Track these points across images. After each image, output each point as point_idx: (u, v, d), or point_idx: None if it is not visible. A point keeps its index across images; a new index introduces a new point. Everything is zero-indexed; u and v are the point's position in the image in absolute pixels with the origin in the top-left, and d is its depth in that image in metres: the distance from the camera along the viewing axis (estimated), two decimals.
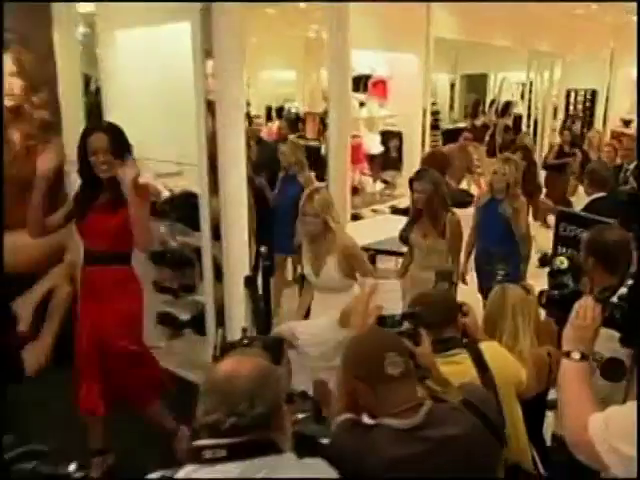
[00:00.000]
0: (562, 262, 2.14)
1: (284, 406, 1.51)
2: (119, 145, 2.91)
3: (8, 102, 3.76)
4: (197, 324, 4.37)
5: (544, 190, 7.71)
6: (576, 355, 1.60)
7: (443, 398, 1.78)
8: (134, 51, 4.24)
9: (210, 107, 3.79)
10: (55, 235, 4.10)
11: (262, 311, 4.20)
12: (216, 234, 3.88)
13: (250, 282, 3.98)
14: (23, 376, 4.02)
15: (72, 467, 1.23)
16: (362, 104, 6.37)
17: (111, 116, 4.32)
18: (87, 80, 4.36)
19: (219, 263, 3.93)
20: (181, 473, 1.44)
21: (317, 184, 3.75)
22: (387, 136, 6.83)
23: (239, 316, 3.94)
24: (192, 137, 3.91)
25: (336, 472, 1.52)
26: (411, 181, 4.02)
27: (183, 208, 4.15)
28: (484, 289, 4.14)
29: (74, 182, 4.21)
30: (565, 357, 1.63)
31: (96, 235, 2.95)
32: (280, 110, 9.39)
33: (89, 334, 2.96)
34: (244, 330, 2.26)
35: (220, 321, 4.00)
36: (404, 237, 4.13)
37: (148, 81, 4.28)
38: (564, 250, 4.01)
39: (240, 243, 3.91)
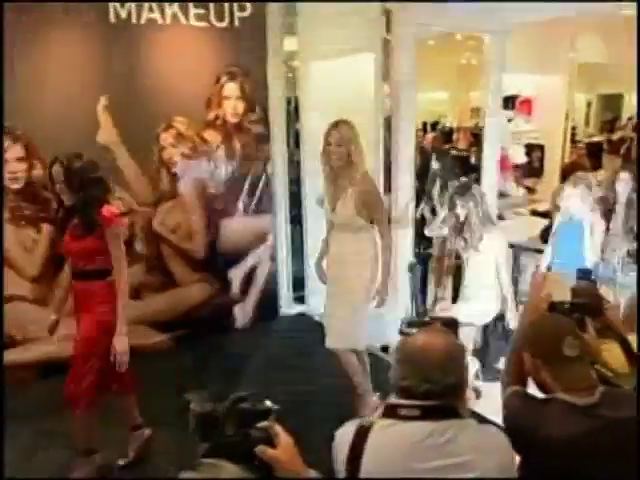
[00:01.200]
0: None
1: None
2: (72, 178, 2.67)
3: (233, 119, 4.22)
4: None
5: None
6: None
7: (615, 383, 1.70)
8: (325, 78, 4.58)
9: (387, 122, 4.05)
10: (258, 223, 4.57)
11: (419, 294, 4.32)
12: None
13: (412, 268, 4.15)
14: (234, 327, 4.54)
15: (268, 403, 1.18)
16: (510, 120, 6.31)
17: (305, 129, 4.75)
18: (288, 101, 4.77)
19: None
20: (376, 426, 1.45)
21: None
22: (531, 148, 6.74)
23: (404, 297, 4.11)
24: (369, 146, 4.18)
25: (508, 440, 1.49)
26: None
27: None
28: None
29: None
30: None
31: (71, 254, 2.79)
32: (434, 125, 9.48)
33: (77, 340, 2.79)
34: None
35: None
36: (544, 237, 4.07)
37: (335, 100, 4.60)
38: None
39: (405, 233, 4.09)
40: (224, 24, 4.18)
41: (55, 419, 3.34)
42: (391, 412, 1.46)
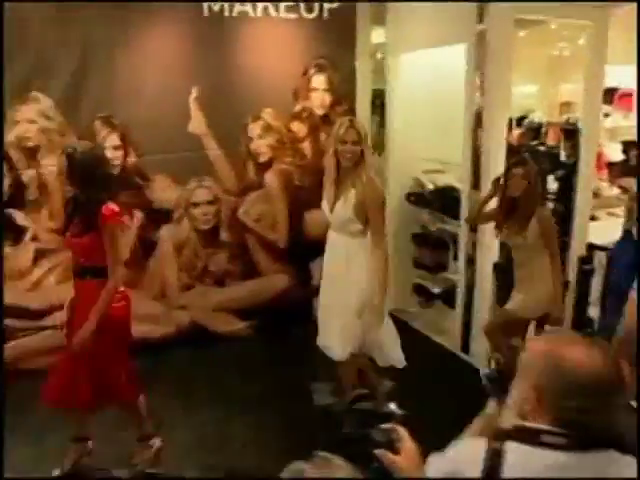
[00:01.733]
0: None
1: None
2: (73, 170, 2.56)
3: (319, 111, 4.21)
4: (447, 297, 4.50)
5: None
6: None
7: None
8: (415, 70, 4.48)
9: (477, 117, 3.90)
10: None
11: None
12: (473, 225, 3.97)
13: (497, 268, 3.98)
14: (311, 318, 4.54)
15: (392, 406, 1.18)
16: (607, 115, 5.92)
17: (392, 122, 4.67)
18: (374, 95, 4.70)
19: (473, 249, 4.03)
20: (512, 451, 1.20)
21: None
22: (628, 146, 6.29)
23: (487, 296, 3.95)
24: (457, 141, 4.06)
25: None
26: None
27: (445, 199, 4.27)
28: None
29: None
30: None
31: (72, 250, 2.70)
32: (520, 120, 9.06)
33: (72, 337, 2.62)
34: None
35: (469, 298, 4.09)
36: None
37: (424, 94, 4.50)
38: None
39: (492, 233, 3.93)
40: (313, 16, 4.17)
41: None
42: (529, 437, 1.22)
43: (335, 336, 2.92)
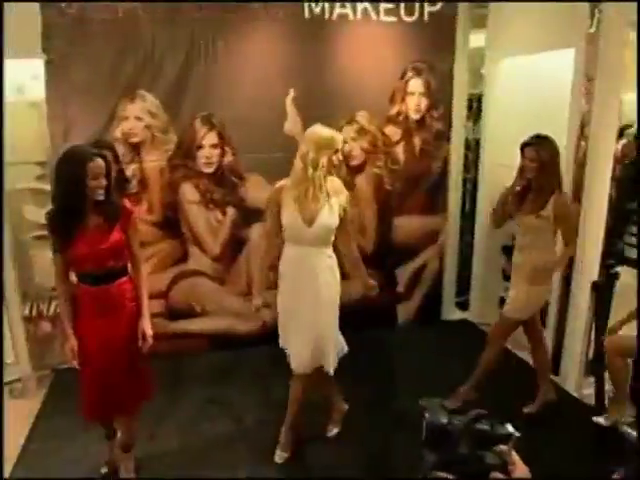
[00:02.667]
0: None
1: None
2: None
3: (414, 115, 4.15)
4: None
5: None
6: None
7: None
8: (514, 76, 4.30)
9: (582, 127, 3.69)
10: (430, 223, 4.45)
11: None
12: None
13: (596, 288, 3.76)
14: (396, 325, 4.49)
15: (510, 428, 1.06)
16: None
17: (487, 129, 4.53)
18: (470, 99, 4.57)
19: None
20: None
21: None
22: None
23: (582, 316, 3.72)
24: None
25: None
26: None
27: None
28: None
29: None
30: None
31: (95, 255, 2.46)
32: (622, 130, 8.52)
33: (99, 349, 2.53)
34: None
35: (562, 317, 3.88)
36: None
37: (523, 101, 4.31)
38: None
39: (594, 249, 3.71)
40: (413, 19, 4.10)
41: (221, 389, 3.56)
42: None
43: (301, 356, 2.85)
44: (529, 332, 3.47)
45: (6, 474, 2.95)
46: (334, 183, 2.74)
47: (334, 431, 3.22)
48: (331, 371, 2.90)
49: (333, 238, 2.77)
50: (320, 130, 2.73)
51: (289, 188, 2.73)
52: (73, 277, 2.59)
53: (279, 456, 3.01)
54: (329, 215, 2.69)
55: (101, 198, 2.42)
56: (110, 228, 2.47)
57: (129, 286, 2.58)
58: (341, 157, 2.77)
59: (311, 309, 2.79)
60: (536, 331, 3.45)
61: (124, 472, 2.83)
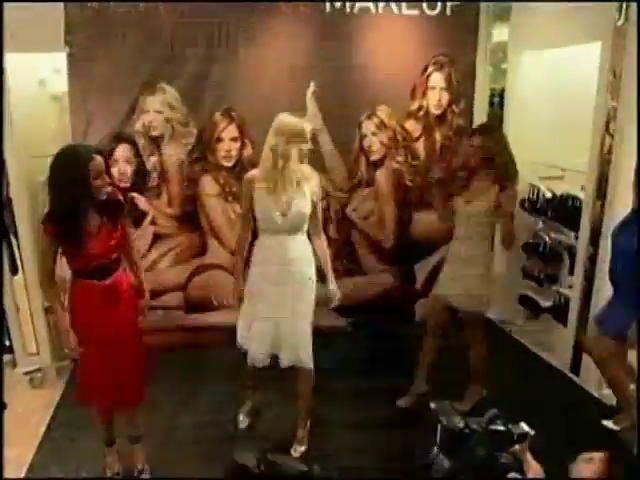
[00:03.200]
0: None
1: None
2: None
3: (436, 110, 4.10)
4: (557, 312, 4.24)
5: None
6: None
7: None
8: (538, 70, 4.22)
9: (608, 123, 3.62)
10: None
11: None
12: (593, 237, 3.70)
13: None
14: (412, 322, 4.45)
15: (525, 427, 1.06)
16: None
17: (510, 123, 4.45)
18: (492, 94, 4.51)
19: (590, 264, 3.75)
20: None
21: None
22: None
23: None
24: (580, 147, 3.80)
25: None
26: None
27: (563, 209, 4.03)
28: None
29: None
30: None
31: (101, 252, 2.48)
32: None
33: (102, 341, 2.55)
34: None
35: (584, 316, 3.81)
36: None
37: (546, 95, 4.25)
38: None
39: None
40: (435, 12, 4.05)
41: (238, 383, 3.55)
42: None
43: (261, 346, 2.84)
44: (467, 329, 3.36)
45: (27, 461, 2.99)
46: (304, 169, 2.72)
47: (300, 449, 3.00)
48: (307, 366, 2.85)
49: (307, 226, 2.79)
50: (289, 120, 2.71)
51: (259, 180, 2.72)
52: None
53: (295, 450, 3.01)
54: (302, 203, 2.71)
55: (104, 197, 2.43)
56: (113, 224, 2.50)
57: (126, 277, 2.62)
58: (311, 145, 2.75)
59: (280, 295, 2.78)
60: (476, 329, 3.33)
61: (136, 463, 2.86)
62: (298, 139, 2.64)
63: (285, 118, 2.72)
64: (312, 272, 2.84)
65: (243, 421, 3.22)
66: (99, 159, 2.37)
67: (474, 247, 3.19)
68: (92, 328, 2.52)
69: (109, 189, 2.45)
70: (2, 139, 3.43)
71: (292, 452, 2.97)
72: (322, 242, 2.93)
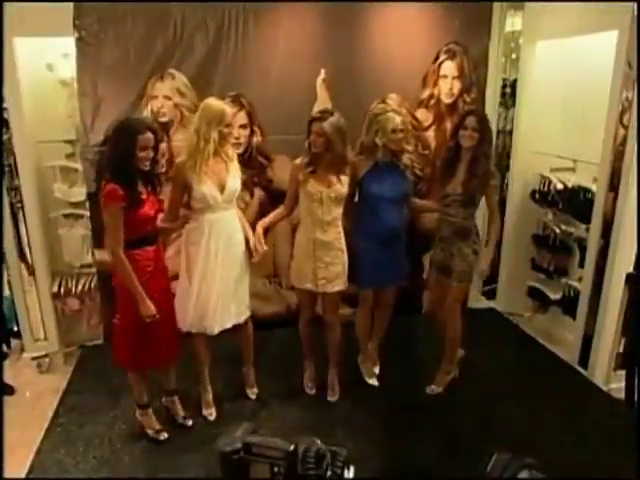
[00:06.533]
0: None
1: None
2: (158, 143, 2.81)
3: (447, 99, 4.01)
4: (565, 305, 4.21)
5: None
6: None
7: None
8: (551, 59, 4.15)
9: (622, 113, 3.55)
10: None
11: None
12: (605, 230, 3.65)
13: (631, 280, 3.64)
14: (419, 310, 4.42)
15: None
16: None
17: (522, 113, 4.39)
18: (504, 84, 4.44)
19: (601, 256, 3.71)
20: None
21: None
22: None
23: (613, 309, 3.62)
24: (593, 138, 3.73)
25: None
26: None
27: (574, 200, 3.97)
28: None
29: None
30: None
31: (151, 219, 2.79)
32: None
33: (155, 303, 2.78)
34: None
35: (594, 309, 3.78)
36: None
37: (559, 85, 4.19)
38: None
39: (629, 240, 3.59)
40: None
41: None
42: None
43: (215, 313, 3.06)
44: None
45: (34, 447, 3.00)
46: (228, 151, 2.99)
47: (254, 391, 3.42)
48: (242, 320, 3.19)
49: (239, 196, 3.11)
50: (211, 104, 2.90)
51: (185, 163, 2.90)
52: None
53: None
54: (234, 180, 2.98)
55: (147, 169, 2.69)
56: (155, 195, 2.80)
57: (162, 246, 2.96)
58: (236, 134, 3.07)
59: (230, 267, 3.05)
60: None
61: (178, 413, 3.21)
62: (218, 123, 2.85)
63: (209, 101, 2.93)
64: (243, 241, 3.12)
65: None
66: (148, 134, 2.64)
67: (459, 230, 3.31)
68: (147, 292, 2.74)
69: (147, 163, 2.68)
70: (1, 132, 3.48)
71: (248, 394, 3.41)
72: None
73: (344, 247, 3.25)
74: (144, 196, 2.73)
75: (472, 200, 3.23)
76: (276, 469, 1.10)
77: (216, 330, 3.09)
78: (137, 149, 2.61)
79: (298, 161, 3.17)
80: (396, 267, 3.43)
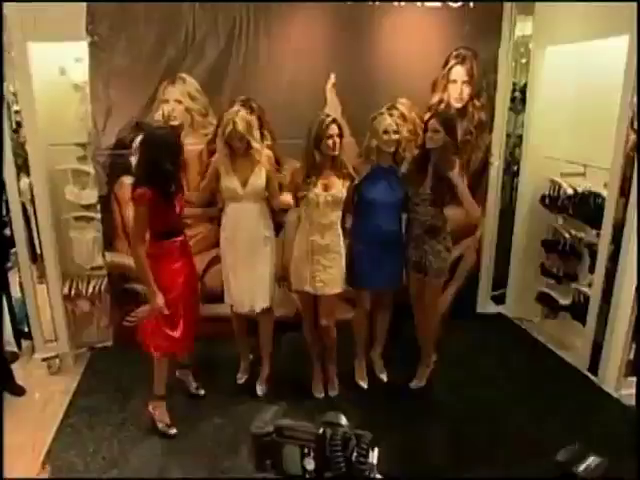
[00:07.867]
0: None
1: None
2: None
3: (456, 104, 4.04)
4: (575, 310, 4.18)
5: None
6: None
7: None
8: (561, 64, 4.13)
9: (633, 118, 3.52)
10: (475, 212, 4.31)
11: None
12: (615, 235, 3.63)
13: None
14: None
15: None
16: None
17: (532, 118, 4.37)
18: (514, 88, 4.44)
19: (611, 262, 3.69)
20: None
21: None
22: None
23: (624, 316, 3.59)
24: (603, 143, 3.72)
25: None
26: None
27: (584, 206, 3.96)
28: None
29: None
30: None
31: (178, 214, 3.05)
32: None
33: (185, 288, 3.08)
34: None
35: (604, 315, 3.75)
36: None
37: (569, 90, 4.17)
38: None
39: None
40: (459, 4, 3.99)
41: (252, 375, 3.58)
42: None
43: (240, 292, 3.37)
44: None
45: (44, 448, 3.02)
46: (255, 153, 3.19)
47: (262, 389, 3.55)
48: (257, 309, 3.38)
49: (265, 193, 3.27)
50: (227, 114, 3.18)
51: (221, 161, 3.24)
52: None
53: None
54: (257, 178, 3.20)
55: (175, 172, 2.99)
56: (178, 195, 3.03)
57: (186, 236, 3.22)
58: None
59: (250, 253, 3.29)
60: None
61: (191, 383, 3.52)
62: (233, 126, 3.09)
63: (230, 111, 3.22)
64: (272, 235, 3.41)
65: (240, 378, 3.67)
66: (180, 144, 3.03)
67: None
68: (174, 282, 3.00)
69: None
70: (2, 132, 3.47)
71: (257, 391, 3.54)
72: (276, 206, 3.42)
73: (342, 251, 3.27)
74: (174, 193, 2.98)
75: (440, 199, 3.23)
76: (306, 450, 1.17)
77: (240, 309, 3.42)
78: (170, 156, 2.88)
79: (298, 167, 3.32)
80: (393, 270, 3.44)
